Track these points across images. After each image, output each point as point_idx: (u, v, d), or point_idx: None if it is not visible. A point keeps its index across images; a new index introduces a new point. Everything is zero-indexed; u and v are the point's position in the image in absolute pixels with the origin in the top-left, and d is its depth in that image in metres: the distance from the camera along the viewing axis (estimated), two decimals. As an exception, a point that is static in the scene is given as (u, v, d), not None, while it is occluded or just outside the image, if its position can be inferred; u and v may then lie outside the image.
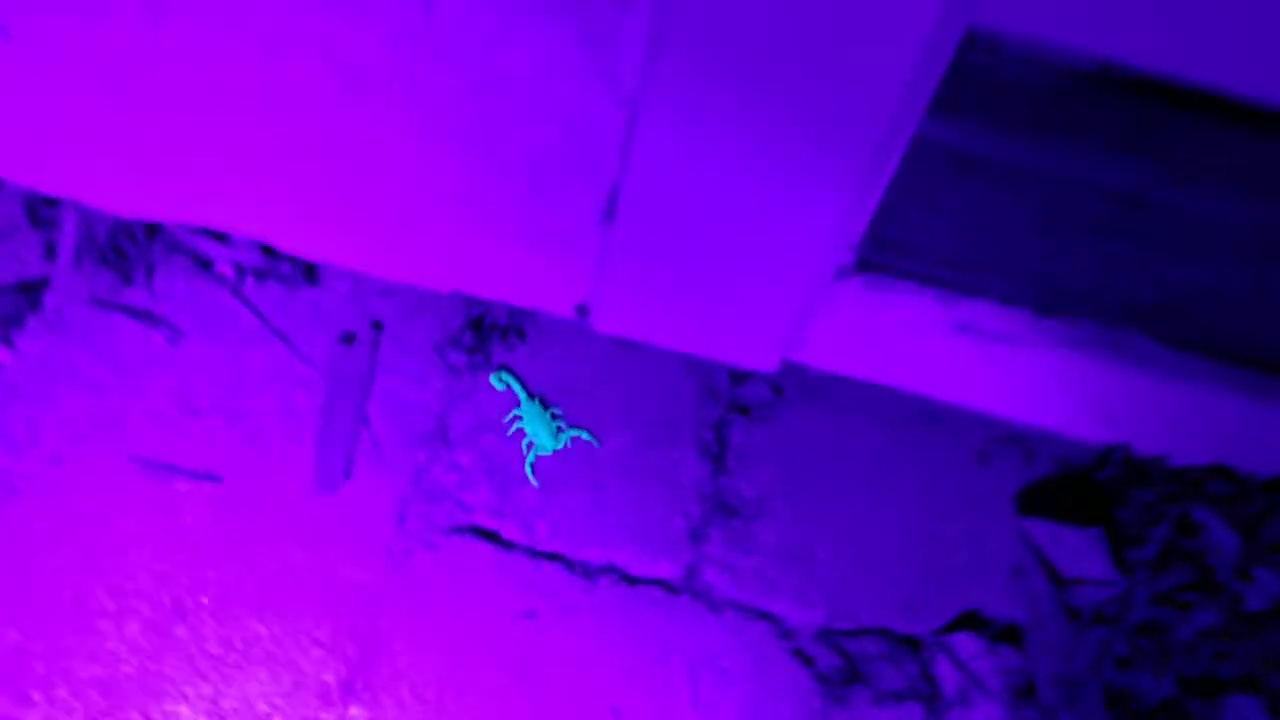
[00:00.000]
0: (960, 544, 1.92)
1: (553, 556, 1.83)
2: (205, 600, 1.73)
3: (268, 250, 1.95)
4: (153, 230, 1.93)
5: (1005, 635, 1.87)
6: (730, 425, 1.97)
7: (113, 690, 1.68)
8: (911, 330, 1.92)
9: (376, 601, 1.76)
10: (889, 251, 1.82)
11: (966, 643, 1.85)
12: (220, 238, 1.94)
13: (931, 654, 1.83)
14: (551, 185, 1.72)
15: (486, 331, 1.98)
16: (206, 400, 1.85)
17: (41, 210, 1.92)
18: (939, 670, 1.82)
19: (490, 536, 1.84)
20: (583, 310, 1.96)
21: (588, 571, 1.83)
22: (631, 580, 1.84)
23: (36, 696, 1.65)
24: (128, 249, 1.92)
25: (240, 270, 1.94)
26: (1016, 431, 2.01)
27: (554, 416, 1.92)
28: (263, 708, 1.69)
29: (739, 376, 2.02)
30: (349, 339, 1.92)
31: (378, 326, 1.94)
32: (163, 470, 1.79)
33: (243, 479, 1.80)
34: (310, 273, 1.96)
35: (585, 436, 1.91)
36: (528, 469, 1.87)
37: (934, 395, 2.03)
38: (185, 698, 1.68)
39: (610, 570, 1.84)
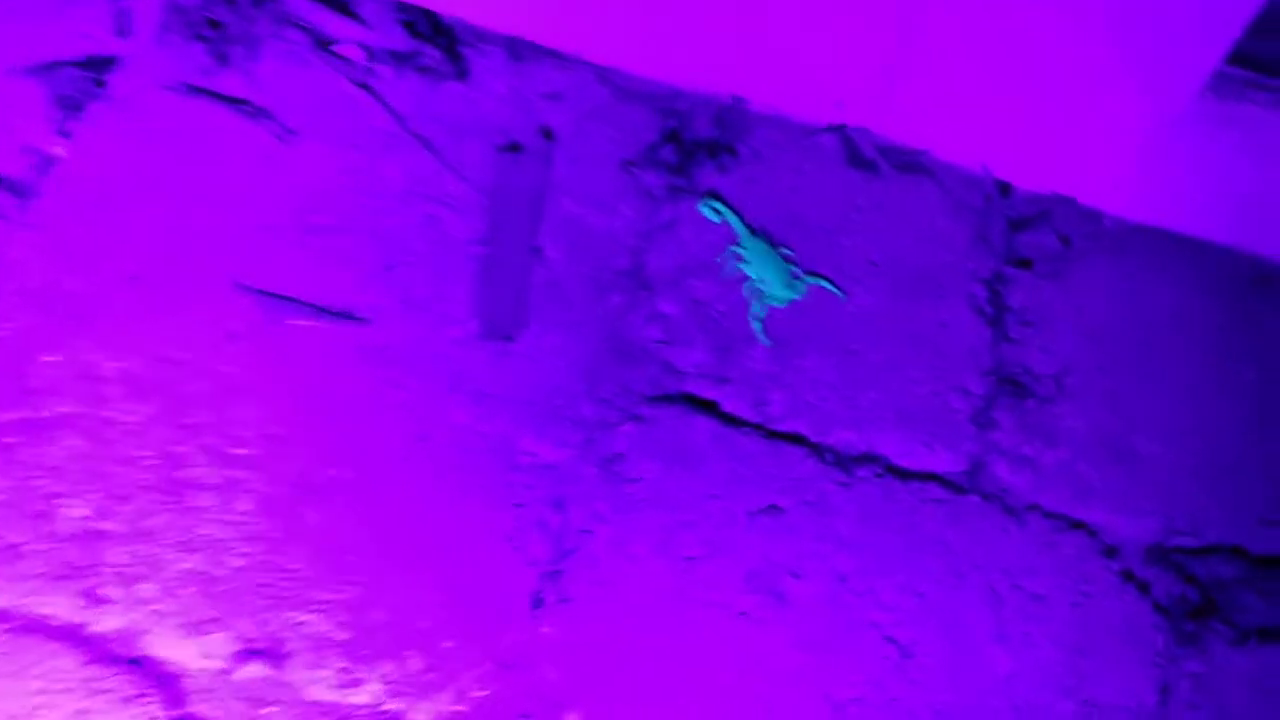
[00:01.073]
0: (1325, 441, 1.43)
1: (793, 439, 1.34)
2: (335, 475, 1.24)
3: (411, 27, 1.47)
4: (258, -8, 1.44)
5: (1394, 562, 1.37)
6: (1010, 282, 1.48)
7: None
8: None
9: (567, 486, 1.27)
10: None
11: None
12: (348, 10, 1.46)
13: (1303, 582, 1.34)
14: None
15: (690, 147, 1.49)
16: (329, 216, 1.37)
17: (109, -34, 1.44)
18: (1316, 603, 1.33)
19: (709, 408, 1.35)
20: (841, 103, 1.48)
21: (841, 460, 1.34)
22: (901, 474, 1.35)
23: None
24: (225, 20, 1.43)
25: (371, 54, 1.45)
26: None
27: (785, 259, 1.43)
28: (425, 624, 1.20)
29: (1017, 222, 1.53)
30: (514, 149, 1.43)
31: (548, 135, 1.45)
32: (280, 304, 1.30)
33: (389, 321, 1.31)
34: (460, 64, 1.47)
35: (827, 285, 1.42)
36: (755, 324, 1.38)
37: (1271, 255, 1.54)
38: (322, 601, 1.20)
39: (871, 459, 1.35)
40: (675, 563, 1.26)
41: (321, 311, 1.30)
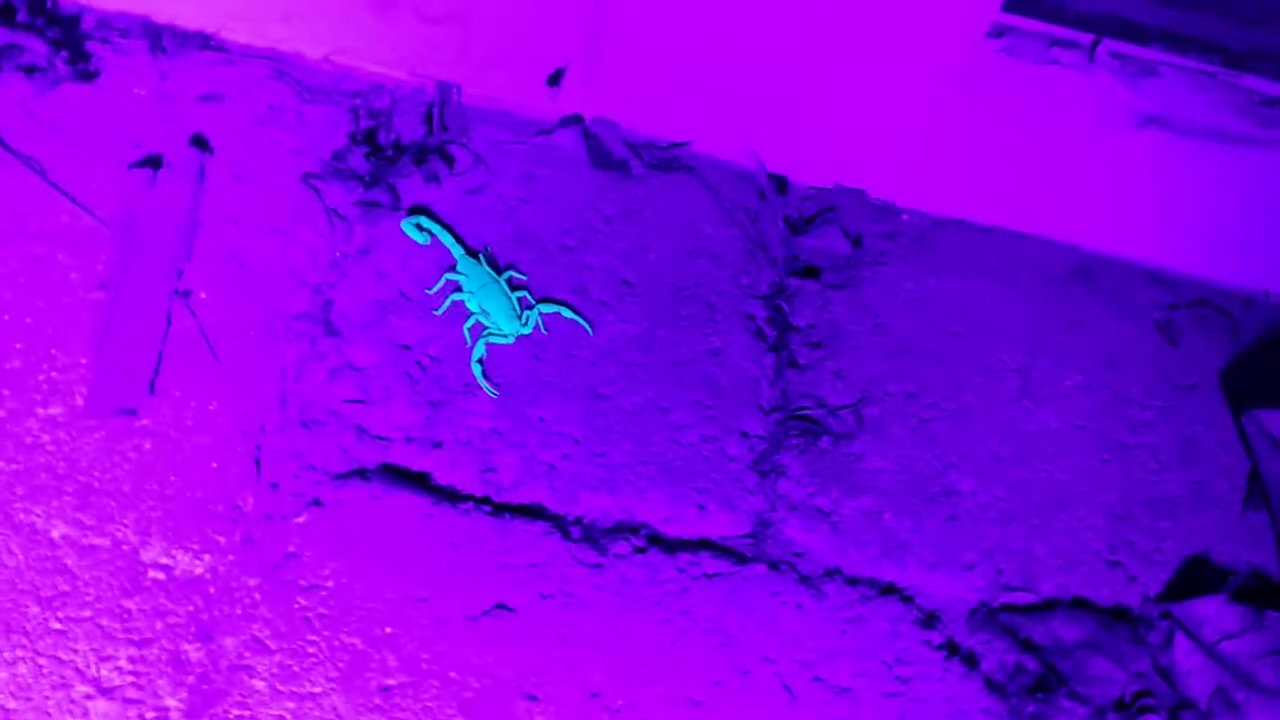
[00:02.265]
0: (1164, 459, 1.20)
1: (529, 511, 1.05)
2: None
3: (5, 13, 1.13)
4: None
5: (1258, 593, 1.15)
6: (794, 295, 1.22)
7: None
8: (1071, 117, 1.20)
9: (215, 609, 0.95)
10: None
11: (1208, 611, 1.12)
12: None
13: (1159, 634, 1.10)
14: None
15: (390, 153, 1.19)
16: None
17: None
18: (1176, 658, 1.09)
19: (418, 482, 1.04)
20: (556, 77, 1.20)
21: (590, 535, 1.05)
22: (668, 545, 1.06)
23: None
24: None
25: (-47, 54, 1.11)
26: (1208, 290, 1.31)
27: (514, 285, 1.14)
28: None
29: (798, 224, 1.27)
30: (153, 164, 1.11)
31: (202, 145, 1.14)
32: None
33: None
34: (83, 62, 1.14)
35: (568, 315, 1.14)
36: (476, 369, 1.08)
37: (1088, 245, 1.31)
38: None
39: (629, 530, 1.06)
40: (367, 698, 0.94)
41: None
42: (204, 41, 1.19)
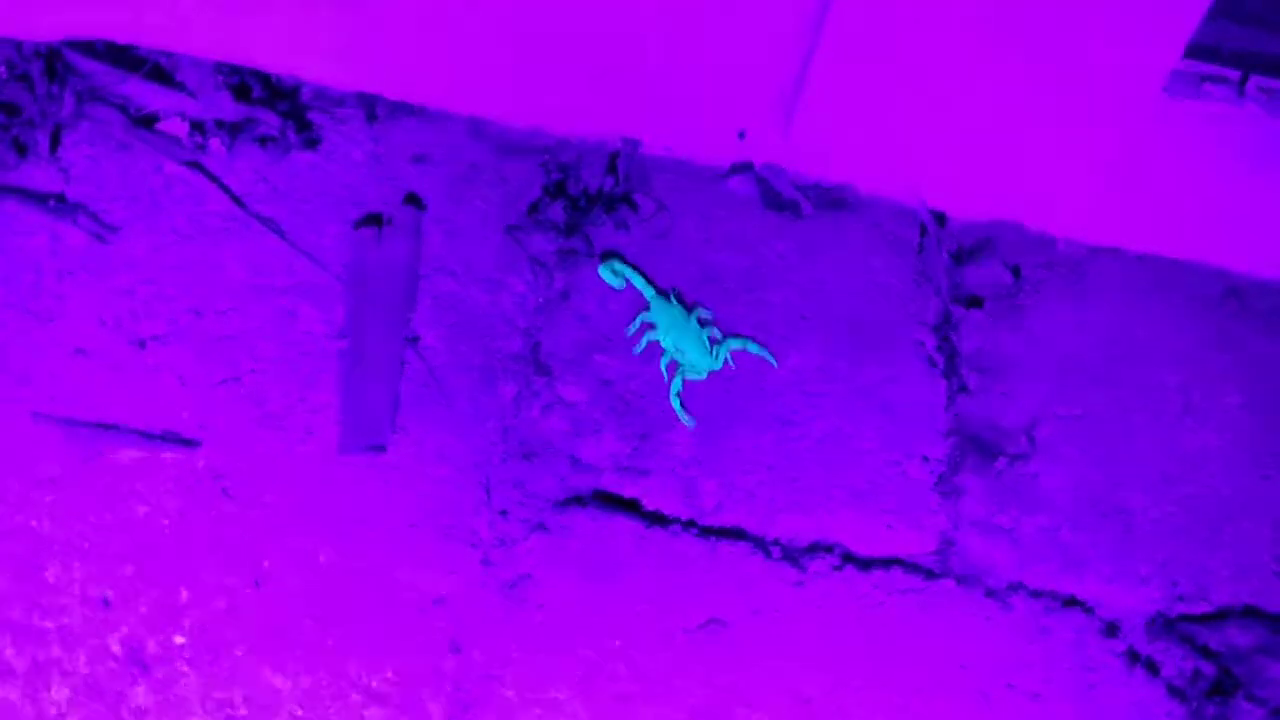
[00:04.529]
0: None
1: (731, 533, 1.14)
2: (180, 641, 1.01)
3: (241, 91, 1.26)
4: (56, 66, 1.23)
5: None
6: (960, 325, 1.30)
7: None
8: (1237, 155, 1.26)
9: (463, 623, 1.05)
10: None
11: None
12: (165, 77, 1.25)
13: (1333, 642, 1.16)
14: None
15: (581, 203, 1.29)
16: (160, 324, 1.15)
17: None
18: (1351, 666, 1.14)
19: (630, 507, 1.14)
20: (743, 134, 1.29)
21: (789, 554, 1.14)
22: (861, 563, 1.14)
23: None
24: (21, 101, 1.22)
25: (198, 129, 1.24)
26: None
27: (702, 323, 1.23)
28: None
29: (959, 255, 1.35)
30: (376, 222, 1.22)
31: (417, 204, 1.25)
32: (98, 433, 1.08)
33: (228, 441, 1.09)
34: (307, 131, 1.26)
35: (754, 349, 1.23)
36: (674, 402, 1.18)
37: (1237, 268, 1.37)
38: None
39: (823, 549, 1.15)
40: (605, 706, 1.04)
41: (147, 438, 1.07)
42: (408, 106, 1.31)
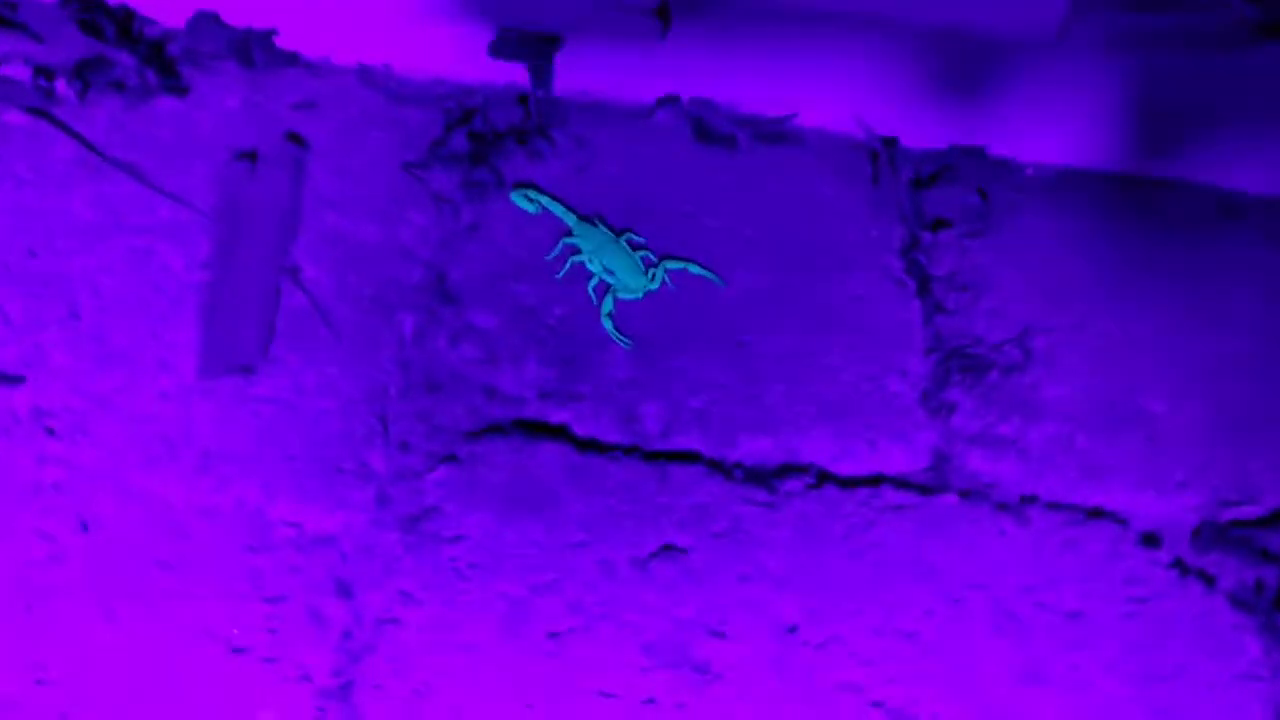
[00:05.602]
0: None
1: (684, 456, 0.94)
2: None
3: (93, 29, 1.12)
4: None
5: None
6: (930, 248, 1.14)
7: None
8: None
9: (353, 564, 0.84)
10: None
11: None
12: (3, 20, 1.11)
13: None
14: None
15: (489, 138, 1.14)
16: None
17: None
18: None
19: (557, 434, 0.94)
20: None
21: (756, 475, 0.94)
22: (843, 482, 0.95)
23: None
24: None
25: (43, 73, 1.09)
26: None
27: (634, 246, 1.07)
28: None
29: (918, 181, 1.20)
30: (250, 157, 1.07)
31: (297, 140, 1.10)
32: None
33: (59, 379, 0.90)
34: (174, 79, 1.12)
35: (696, 270, 1.06)
36: (606, 323, 1.00)
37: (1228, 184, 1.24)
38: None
39: (797, 469, 0.95)
40: (535, 645, 0.82)
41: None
42: (289, 55, 1.17)
